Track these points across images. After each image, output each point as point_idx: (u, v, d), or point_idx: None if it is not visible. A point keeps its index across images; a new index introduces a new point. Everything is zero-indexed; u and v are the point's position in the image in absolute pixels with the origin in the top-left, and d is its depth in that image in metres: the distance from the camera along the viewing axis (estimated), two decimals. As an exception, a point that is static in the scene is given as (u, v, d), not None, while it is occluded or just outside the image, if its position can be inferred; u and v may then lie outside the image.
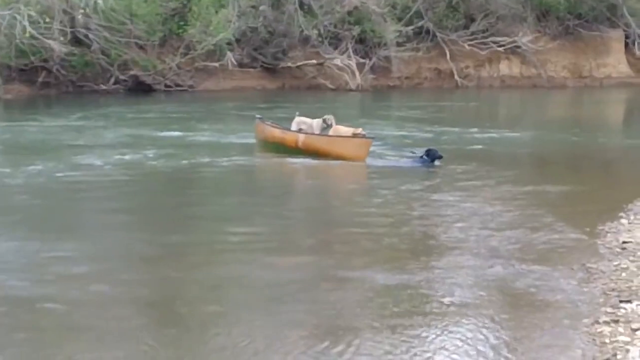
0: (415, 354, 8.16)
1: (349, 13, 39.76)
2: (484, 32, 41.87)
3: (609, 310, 9.26)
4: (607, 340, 8.40)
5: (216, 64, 37.19)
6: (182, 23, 37.34)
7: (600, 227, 13.02)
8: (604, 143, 24.26)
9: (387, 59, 40.01)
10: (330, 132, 19.51)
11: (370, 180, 17.92)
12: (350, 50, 39.10)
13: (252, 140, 21.29)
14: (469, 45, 41.49)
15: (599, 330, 8.68)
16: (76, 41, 34.98)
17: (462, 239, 12.41)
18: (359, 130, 19.34)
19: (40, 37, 33.28)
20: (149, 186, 17.09)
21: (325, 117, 19.72)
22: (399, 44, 39.91)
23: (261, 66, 38.82)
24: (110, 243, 12.12)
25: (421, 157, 18.71)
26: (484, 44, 41.71)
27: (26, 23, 32.88)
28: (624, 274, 10.58)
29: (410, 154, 19.27)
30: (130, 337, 8.56)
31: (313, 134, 19.59)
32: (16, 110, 30.43)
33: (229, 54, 36.87)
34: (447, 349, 8.29)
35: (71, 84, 35.33)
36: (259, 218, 13.80)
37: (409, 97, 37.20)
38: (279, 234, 12.87)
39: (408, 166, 18.64)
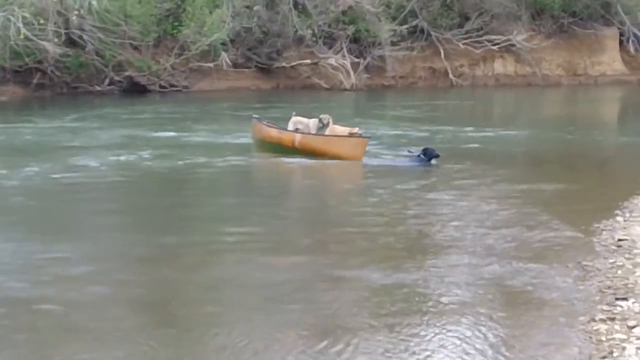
0: (414, 353, 8.18)
1: (343, 13, 39.73)
2: (478, 30, 41.85)
3: (605, 307, 9.28)
4: (603, 338, 8.41)
5: (211, 65, 37.14)
6: (176, 24, 37.28)
7: (596, 225, 13.04)
8: (599, 141, 24.31)
9: (382, 58, 39.97)
10: (327, 132, 19.51)
11: (367, 180, 17.94)
12: (345, 50, 39.07)
13: (248, 140, 21.28)
14: (463, 44, 41.47)
15: (595, 327, 8.70)
16: (70, 42, 34.91)
17: (458, 238, 12.43)
18: (356, 130, 19.35)
19: (34, 38, 33.21)
20: (145, 187, 17.09)
21: (321, 116, 19.72)
22: (393, 43, 39.88)
23: (256, 66, 38.77)
24: (107, 244, 12.13)
25: (418, 156, 18.72)
26: (479, 42, 41.70)
27: (20, 24, 32.79)
28: (619, 272, 10.60)
29: (407, 153, 19.28)
30: (129, 338, 8.57)
31: (310, 133, 19.60)
32: (11, 112, 30.38)
33: (224, 54, 36.83)
34: (444, 348, 8.31)
35: (66, 85, 35.24)
36: (255, 218, 13.81)
37: (403, 96, 37.20)
38: (276, 234, 12.88)
39: (405, 165, 18.65)
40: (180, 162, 18.89)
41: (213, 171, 18.29)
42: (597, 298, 9.65)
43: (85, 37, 34.77)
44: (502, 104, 38.41)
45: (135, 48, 36.44)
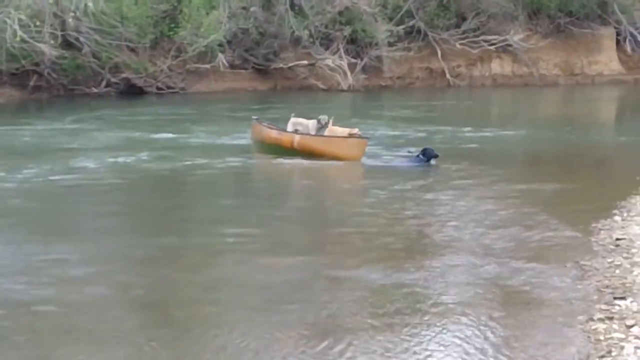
0: (414, 353, 8.20)
1: (340, 13, 39.76)
2: (475, 30, 41.88)
3: (603, 307, 9.30)
4: (601, 337, 8.43)
5: (208, 66, 37.15)
6: (173, 25, 37.28)
7: (594, 225, 13.07)
8: (597, 141, 24.34)
9: (379, 58, 40.00)
10: (326, 133, 19.53)
11: (365, 180, 17.96)
12: (342, 51, 39.10)
13: (246, 142, 21.30)
14: (460, 44, 41.52)
15: (593, 327, 8.72)
16: (67, 44, 34.89)
17: (457, 238, 12.46)
18: (355, 131, 19.38)
19: (31, 40, 33.19)
20: (144, 188, 17.11)
21: (320, 117, 19.74)
22: (390, 44, 39.91)
23: (253, 67, 38.79)
24: (107, 245, 12.15)
25: (417, 156, 18.73)
26: (476, 42, 41.74)
27: (17, 27, 32.78)
28: (617, 271, 10.62)
29: (407, 154, 19.31)
30: (129, 339, 8.58)
31: (309, 134, 19.62)
32: (8, 115, 30.36)
33: (220, 56, 36.84)
34: (444, 347, 8.32)
35: (62, 88, 35.22)
36: (255, 219, 13.82)
37: (401, 96, 37.23)
38: (275, 235, 12.90)
39: (404, 165, 18.68)
40: (179, 164, 18.90)
41: (212, 172, 18.31)
42: (595, 297, 9.67)
43: (81, 39, 34.77)
44: (499, 104, 38.42)
45: (132, 50, 36.43)
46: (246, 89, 38.07)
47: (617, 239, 12.09)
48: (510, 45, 42.07)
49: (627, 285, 10.00)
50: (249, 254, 11.57)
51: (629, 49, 44.10)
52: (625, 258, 11.16)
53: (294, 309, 9.39)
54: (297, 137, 19.46)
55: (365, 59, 39.73)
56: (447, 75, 41.42)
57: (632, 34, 43.78)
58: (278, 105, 30.90)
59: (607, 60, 44.44)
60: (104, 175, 17.74)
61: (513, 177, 17.72)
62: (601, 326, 8.70)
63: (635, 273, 10.45)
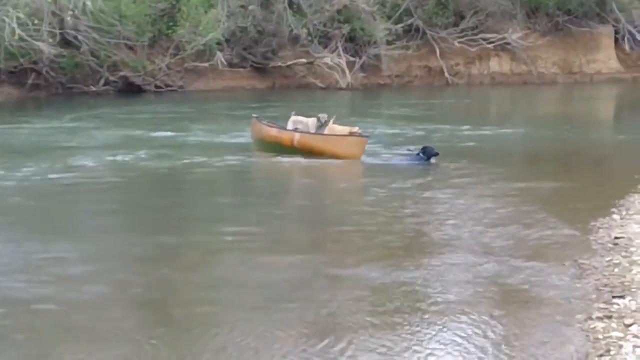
0: (415, 351, 8.21)
1: (338, 12, 39.76)
2: (473, 29, 41.89)
3: (602, 306, 9.30)
4: (600, 336, 8.44)
5: (206, 64, 37.15)
6: (171, 23, 37.28)
7: (593, 223, 13.07)
8: (595, 139, 24.35)
9: (377, 57, 40.00)
10: (326, 131, 19.53)
11: (365, 179, 17.98)
12: (340, 49, 39.10)
13: (245, 140, 21.31)
14: (458, 42, 41.53)
15: (592, 326, 8.73)
16: (65, 43, 34.88)
17: (456, 236, 12.47)
18: (355, 129, 19.38)
19: (29, 39, 33.17)
20: (143, 187, 17.12)
21: (319, 115, 19.74)
22: (388, 42, 39.91)
23: (251, 66, 38.79)
24: (106, 244, 12.15)
25: (417, 154, 18.74)
26: (474, 41, 41.76)
27: (15, 25, 32.77)
28: (616, 270, 10.63)
29: (407, 152, 19.32)
30: (128, 338, 8.59)
31: (309, 132, 19.62)
32: (6, 113, 30.36)
33: (219, 54, 36.84)
34: (444, 345, 8.34)
35: (61, 86, 35.21)
36: (254, 217, 13.83)
37: (399, 95, 37.24)
38: (274, 233, 12.90)
39: (404, 164, 18.69)
40: (177, 162, 18.90)
41: (210, 171, 18.31)
42: (594, 296, 9.68)
43: (80, 37, 34.76)
44: (498, 103, 38.45)
45: (130, 48, 36.43)
46: (244, 88, 38.07)
47: (616, 238, 12.09)
48: (508, 44, 42.08)
49: (626, 284, 10.01)
50: (249, 253, 11.57)
51: (627, 47, 44.11)
52: (624, 257, 11.16)
53: (293, 307, 9.40)
54: (297, 136, 19.47)
55: (364, 58, 39.73)
56: (446, 74, 41.42)
57: (630, 32, 43.79)
58: (276, 103, 30.92)
59: (605, 59, 44.45)
60: (103, 173, 17.73)
61: (512, 175, 17.74)
62: (600, 325, 8.71)
63: (633, 272, 10.46)
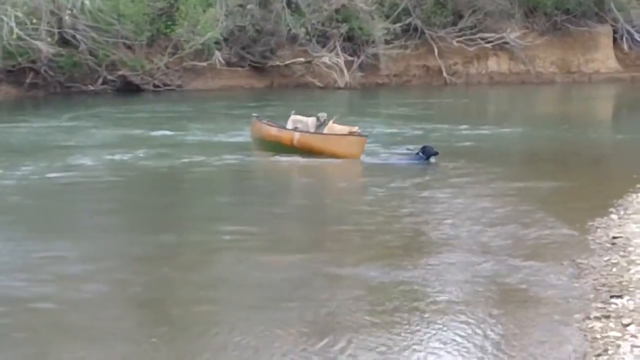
0: (414, 350, 8.23)
1: (337, 11, 39.77)
2: (472, 28, 41.93)
3: (600, 305, 9.31)
4: (598, 336, 8.45)
5: (204, 64, 37.17)
6: (169, 23, 37.29)
7: (591, 223, 13.08)
8: (594, 138, 24.37)
9: (375, 56, 40.02)
10: (326, 131, 19.54)
11: (364, 178, 17.99)
12: (338, 48, 39.12)
13: (244, 139, 21.32)
14: (457, 42, 41.55)
15: (590, 325, 8.74)
16: (64, 42, 34.89)
17: (454, 236, 12.49)
18: (355, 129, 19.39)
19: (27, 38, 33.18)
20: (142, 186, 17.12)
21: (319, 114, 19.75)
22: (387, 42, 39.93)
23: (249, 65, 38.80)
24: (105, 243, 12.16)
25: (417, 154, 18.75)
26: (472, 40, 41.79)
27: (13, 24, 32.77)
28: (614, 269, 10.64)
29: (406, 151, 19.33)
30: (127, 337, 8.60)
31: (308, 132, 19.63)
32: (4, 112, 30.36)
33: (217, 53, 36.85)
34: (443, 345, 8.35)
35: (59, 85, 35.22)
36: (253, 217, 13.84)
37: (397, 94, 37.25)
38: (273, 233, 12.90)
39: (403, 163, 18.70)
40: (176, 161, 18.91)
41: (209, 170, 18.32)
42: (592, 296, 9.69)
43: (78, 36, 34.76)
44: (496, 102, 38.46)
45: (129, 47, 36.44)
46: (243, 87, 38.08)
47: (614, 237, 12.10)
48: (507, 43, 42.11)
49: (624, 283, 10.02)
50: (248, 252, 11.58)
51: (625, 46, 44.14)
52: (622, 256, 11.17)
53: (293, 306, 9.41)
54: (296, 135, 19.48)
55: (362, 57, 39.75)
56: (444, 73, 41.44)
57: (628, 32, 43.83)
58: (275, 102, 30.94)
59: (603, 58, 44.47)
60: (101, 172, 17.73)
61: (510, 174, 17.75)
62: (598, 324, 8.73)
63: (631, 271, 10.47)
